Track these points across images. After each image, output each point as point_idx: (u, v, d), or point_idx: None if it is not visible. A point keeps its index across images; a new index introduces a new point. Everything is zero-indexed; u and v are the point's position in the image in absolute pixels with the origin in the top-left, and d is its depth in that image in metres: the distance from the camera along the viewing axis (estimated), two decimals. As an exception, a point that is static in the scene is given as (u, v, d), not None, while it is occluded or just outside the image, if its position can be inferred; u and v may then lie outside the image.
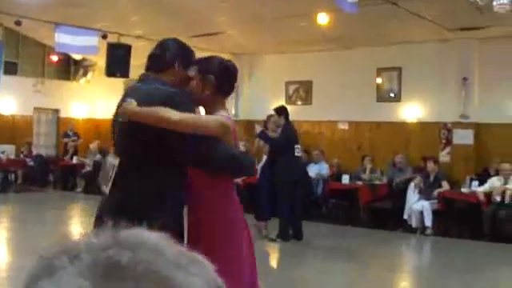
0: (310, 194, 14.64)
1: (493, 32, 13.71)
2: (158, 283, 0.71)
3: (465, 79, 14.43)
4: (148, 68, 4.01)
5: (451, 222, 13.06)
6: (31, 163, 19.37)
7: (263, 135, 11.60)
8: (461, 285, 8.89)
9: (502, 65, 14.23)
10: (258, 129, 11.94)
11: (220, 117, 3.64)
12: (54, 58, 21.00)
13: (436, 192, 13.08)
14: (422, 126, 15.34)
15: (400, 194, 13.61)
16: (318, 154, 15.67)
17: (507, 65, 14.14)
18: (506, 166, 12.65)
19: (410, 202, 13.20)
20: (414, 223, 13.01)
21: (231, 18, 15.27)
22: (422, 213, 12.92)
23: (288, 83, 17.60)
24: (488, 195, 12.57)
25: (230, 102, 17.64)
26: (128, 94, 3.88)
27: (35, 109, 21.52)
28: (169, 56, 3.90)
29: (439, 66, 14.89)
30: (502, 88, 14.22)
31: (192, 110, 3.61)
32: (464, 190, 13.26)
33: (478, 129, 14.60)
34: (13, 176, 19.16)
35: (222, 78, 3.80)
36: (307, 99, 17.32)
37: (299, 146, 11.81)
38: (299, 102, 17.50)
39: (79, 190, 19.10)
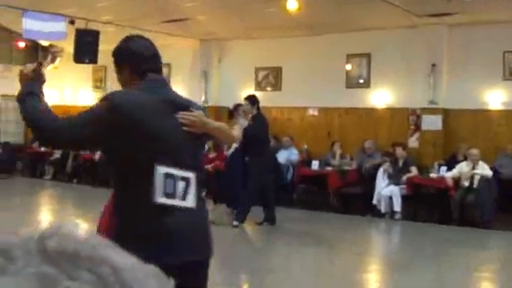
0: (279, 180, 14.66)
1: (461, 18, 13.79)
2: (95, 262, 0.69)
3: (433, 65, 14.51)
4: (160, 69, 3.65)
5: (420, 207, 13.16)
6: (-1, 151, 19.18)
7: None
8: (429, 268, 8.96)
9: (470, 51, 14.34)
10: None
11: None
12: (22, 44, 20.76)
13: (405, 177, 13.17)
14: (391, 111, 15.41)
15: (369, 180, 13.67)
16: (288, 140, 15.68)
17: (475, 51, 14.25)
18: (474, 151, 12.75)
19: (379, 187, 13.27)
20: (383, 208, 13.09)
21: (200, 4, 15.17)
22: (391, 198, 13.01)
23: (257, 69, 17.56)
24: (456, 180, 12.69)
25: (199, 88, 17.63)
26: (173, 98, 3.52)
27: (2, 96, 21.23)
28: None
29: (408, 53, 14.96)
30: (470, 74, 14.31)
31: None
32: (432, 175, 13.37)
33: (447, 115, 14.70)
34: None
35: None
36: (277, 85, 17.30)
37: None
38: (269, 88, 17.47)
39: (48, 177, 18.94)
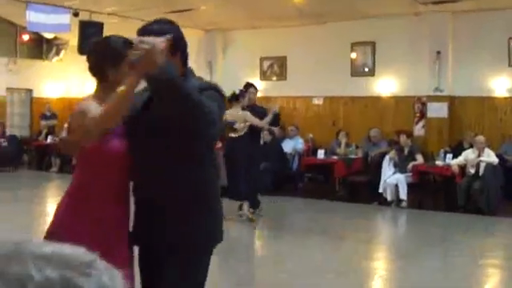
0: (285, 169, 14.69)
1: (466, 5, 13.75)
2: None
3: (438, 53, 14.48)
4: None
5: (426, 195, 13.16)
6: (5, 144, 19.18)
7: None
8: (435, 256, 8.97)
9: (475, 38, 14.30)
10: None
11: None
12: (26, 37, 20.78)
13: (410, 165, 13.16)
14: (397, 99, 15.39)
15: (375, 168, 13.67)
16: (293, 130, 15.69)
17: (480, 38, 14.21)
18: (481, 138, 12.73)
19: (385, 175, 13.26)
20: (389, 196, 13.09)
21: (204, -7, 15.16)
22: (396, 186, 13.00)
23: (262, 59, 17.55)
24: (462, 168, 12.68)
25: (204, 78, 17.56)
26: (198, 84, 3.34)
27: (8, 89, 21.27)
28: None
29: (413, 40, 14.93)
30: (475, 61, 14.28)
31: None
32: (438, 162, 13.35)
33: (452, 102, 14.68)
34: (-14, 156, 18.96)
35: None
36: (282, 75, 17.29)
37: None
38: (274, 78, 17.47)
39: (54, 169, 18.97)
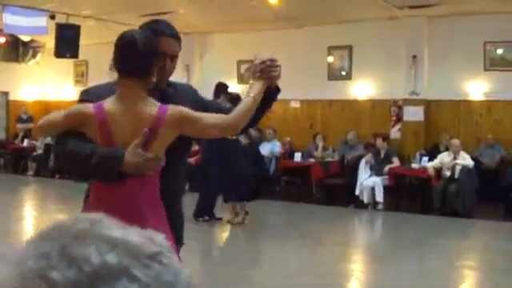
0: (262, 172, 14.69)
1: (441, 10, 13.87)
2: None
3: (414, 57, 14.60)
4: None
5: (402, 198, 13.27)
6: (-20, 147, 19.08)
7: None
8: (411, 258, 9.04)
9: (450, 42, 14.43)
10: None
11: (72, 107, 3.06)
12: (2, 40, 20.63)
13: (387, 168, 13.24)
14: (373, 103, 15.48)
15: (352, 171, 13.74)
16: (271, 133, 15.72)
17: (456, 42, 14.34)
18: (456, 141, 12.85)
19: (361, 178, 13.35)
20: (365, 199, 13.17)
21: (181, -3, 15.16)
22: (373, 189, 13.09)
23: (240, 62, 17.55)
24: (438, 171, 12.78)
25: (181, 81, 17.54)
26: None
27: (-16, 92, 21.15)
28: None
29: (389, 44, 15.03)
30: (451, 65, 14.40)
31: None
32: (414, 165, 13.46)
33: (428, 105, 14.79)
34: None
35: (113, 55, 3.07)
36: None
37: None
38: (251, 81, 17.44)
39: (30, 173, 18.86)
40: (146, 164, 2.88)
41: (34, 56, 21.88)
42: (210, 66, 17.88)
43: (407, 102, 14.84)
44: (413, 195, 13.27)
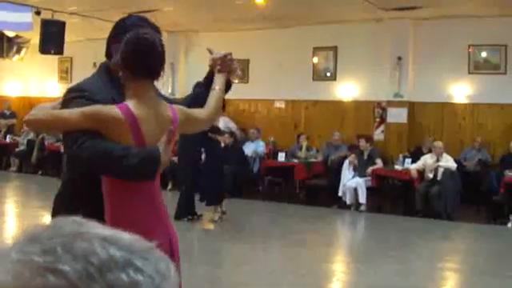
0: (246, 172, 14.70)
1: (426, 12, 13.92)
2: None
3: (399, 59, 14.64)
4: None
5: (385, 199, 13.30)
6: (-38, 143, 18.93)
7: None
8: (394, 260, 9.05)
9: (435, 45, 14.49)
10: None
11: (93, 107, 2.93)
12: (-14, 35, 20.51)
13: (370, 169, 13.27)
14: (357, 104, 15.51)
15: (335, 172, 13.76)
16: (255, 133, 15.73)
17: (440, 45, 14.41)
18: (439, 143, 12.90)
19: (344, 179, 13.37)
20: (348, 200, 13.20)
21: (167, -5, 15.11)
22: (356, 190, 13.11)
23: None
24: (421, 172, 12.83)
25: (166, 80, 17.58)
26: None
27: (-34, 87, 21.02)
28: (108, 36, 3.33)
29: (374, 46, 15.07)
30: (435, 67, 14.46)
31: (81, 106, 2.98)
32: (397, 167, 13.49)
33: (412, 107, 14.85)
34: None
35: (125, 55, 2.99)
36: (244, 78, 17.30)
37: None
38: (236, 81, 17.41)
39: (13, 169, 18.76)
40: (169, 161, 3.01)
41: (18, 52, 21.73)
42: (195, 64, 17.82)
43: (391, 103, 14.88)
44: (395, 197, 13.31)
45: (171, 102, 3.34)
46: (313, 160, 14.72)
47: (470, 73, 14.32)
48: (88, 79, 3.26)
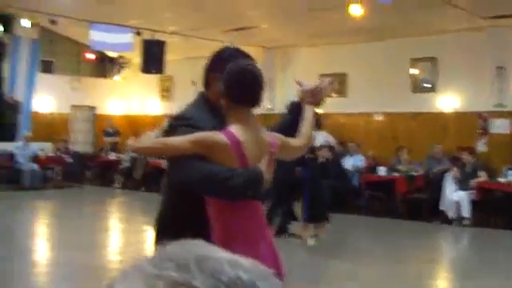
0: (346, 186, 14.62)
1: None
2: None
3: (500, 68, 14.28)
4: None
5: (489, 213, 12.93)
6: (69, 160, 19.58)
7: None
8: (498, 276, 8.81)
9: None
10: None
11: (198, 134, 3.11)
12: (90, 56, 21.24)
13: (473, 182, 12.95)
14: (459, 116, 15.20)
15: (437, 185, 13.51)
16: (354, 146, 15.65)
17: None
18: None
19: (446, 192, 13.11)
20: (451, 214, 12.92)
21: (264, 12, 15.27)
22: (458, 203, 12.83)
23: (322, 76, 17.53)
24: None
25: (264, 95, 17.62)
26: None
27: (72, 106, 21.76)
28: (206, 68, 3.50)
29: (474, 55, 14.74)
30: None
31: (187, 133, 3.16)
32: (501, 179, 13.12)
33: (515, 118, 14.45)
34: (51, 172, 19.36)
35: (229, 85, 3.19)
36: (342, 91, 17.25)
37: None
38: (334, 95, 17.43)
39: (117, 185, 19.29)
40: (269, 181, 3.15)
41: (120, 71, 22.45)
42: (292, 79, 17.90)
43: (493, 114, 14.52)
44: (500, 210, 12.92)
45: None
46: (414, 173, 14.50)
47: None
48: (189, 107, 3.44)
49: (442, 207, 13.11)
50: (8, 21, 18.70)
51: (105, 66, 22.68)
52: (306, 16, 14.81)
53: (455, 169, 13.26)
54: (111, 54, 21.70)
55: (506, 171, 13.24)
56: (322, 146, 15.53)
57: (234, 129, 3.13)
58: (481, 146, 14.70)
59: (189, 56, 17.66)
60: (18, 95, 19.91)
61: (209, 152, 3.08)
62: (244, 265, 0.85)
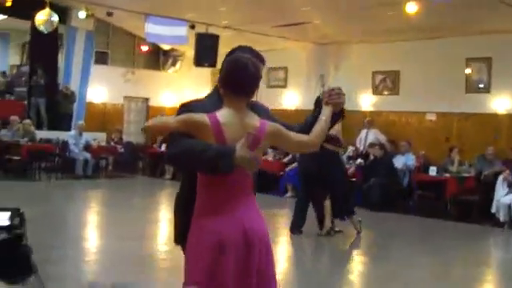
0: (396, 185, 14.53)
1: None
2: None
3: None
4: None
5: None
6: (121, 150, 19.83)
7: None
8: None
9: None
10: None
11: (186, 115, 3.51)
12: (144, 48, 21.52)
13: (527, 185, 12.76)
14: (512, 117, 15.01)
15: (488, 187, 13.33)
16: (405, 145, 15.51)
17: None
18: None
19: (498, 195, 12.93)
20: (502, 217, 12.74)
21: (317, 8, 15.23)
22: (510, 207, 12.63)
23: (375, 73, 17.46)
24: None
25: (315, 91, 17.64)
26: None
27: (125, 97, 22.06)
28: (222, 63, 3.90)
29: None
30: None
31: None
32: (555, 183, 12.89)
33: None
34: (104, 162, 19.64)
35: (223, 74, 3.58)
36: (394, 89, 17.15)
37: None
38: (386, 92, 17.35)
39: (168, 176, 19.46)
40: (250, 161, 3.37)
41: (173, 64, 22.65)
42: (344, 76, 17.85)
43: (549, 115, 14.28)
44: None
45: (275, 120, 3.73)
46: (465, 175, 14.33)
47: None
48: (202, 97, 3.87)
49: (493, 210, 12.93)
50: (64, 12, 19.03)
51: (158, 58, 22.91)
52: (360, 12, 14.74)
53: (507, 171, 13.06)
54: (165, 46, 21.91)
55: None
56: (372, 144, 15.48)
57: (220, 112, 3.46)
58: (535, 148, 14.47)
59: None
60: (73, 85, 20.25)
61: (193, 130, 3.42)
62: None
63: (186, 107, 3.72)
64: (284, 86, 19.61)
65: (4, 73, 23.77)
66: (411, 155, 15.32)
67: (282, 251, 9.91)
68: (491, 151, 14.37)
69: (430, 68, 16.05)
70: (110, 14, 16.97)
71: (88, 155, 18.32)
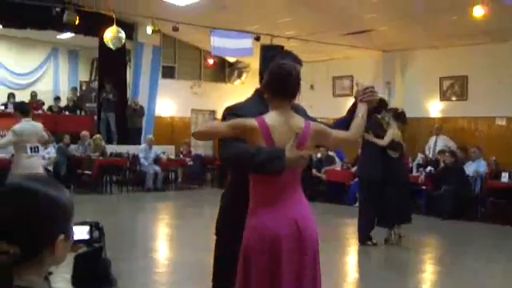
0: (467, 193, 14.27)
1: None
2: None
3: None
4: None
5: None
6: (190, 162, 20.01)
7: None
8: None
9: None
10: None
11: (236, 120, 3.74)
12: (210, 61, 21.72)
13: None
14: None
15: None
16: (476, 152, 15.23)
17: None
18: None
19: None
20: None
21: (382, 15, 15.16)
22: None
23: (442, 79, 17.24)
24: None
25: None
26: None
27: (192, 110, 22.29)
28: (259, 68, 4.30)
29: None
30: None
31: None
32: None
33: None
34: (173, 175, 19.88)
35: (268, 80, 3.83)
36: (462, 95, 16.90)
37: None
38: (454, 98, 17.11)
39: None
40: (299, 160, 3.59)
41: (239, 76, 22.80)
42: (411, 82, 17.69)
43: None
44: None
45: (312, 119, 4.02)
46: (539, 180, 14.01)
47: None
48: (245, 101, 4.18)
49: None
50: (131, 28, 19.40)
51: (224, 70, 23.11)
52: (425, 17, 14.60)
53: None
54: (230, 59, 22.09)
55: None
56: (442, 151, 15.26)
57: (267, 116, 3.72)
58: None
59: (306, 60, 17.69)
60: (141, 100, 20.59)
61: (243, 134, 3.66)
62: None
63: (231, 110, 4.00)
64: (350, 95, 19.52)
65: (74, 89, 24.31)
66: (482, 161, 15.02)
67: (352, 261, 9.85)
68: None
69: (498, 72, 15.76)
70: (175, 29, 17.21)
71: (158, 168, 18.57)
